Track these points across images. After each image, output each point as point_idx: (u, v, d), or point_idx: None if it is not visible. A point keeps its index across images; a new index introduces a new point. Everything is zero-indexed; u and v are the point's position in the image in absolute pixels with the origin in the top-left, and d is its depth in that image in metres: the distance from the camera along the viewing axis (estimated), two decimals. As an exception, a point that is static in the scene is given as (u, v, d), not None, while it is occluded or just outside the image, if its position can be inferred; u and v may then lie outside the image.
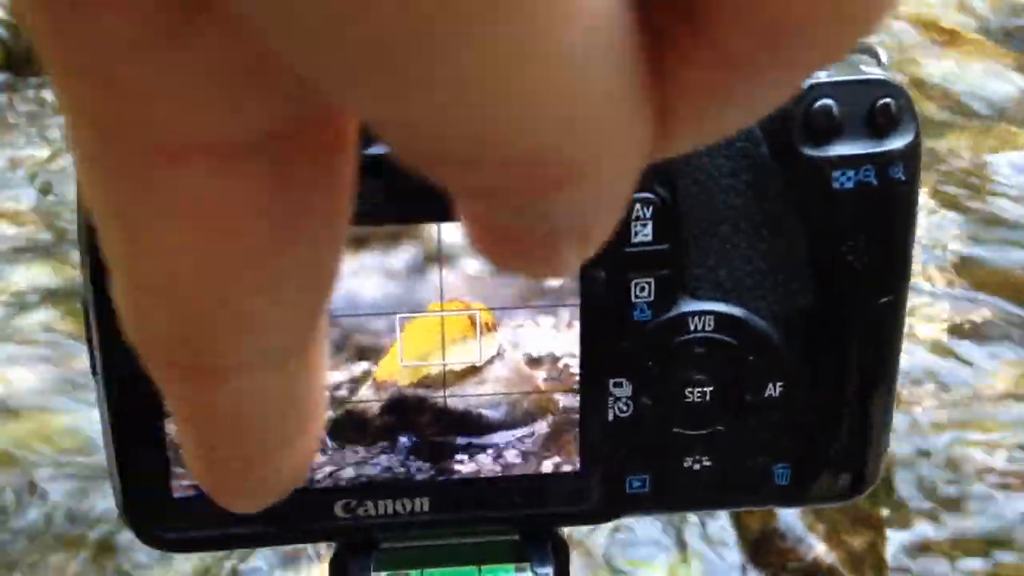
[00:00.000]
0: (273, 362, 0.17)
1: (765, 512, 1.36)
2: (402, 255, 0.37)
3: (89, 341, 0.37)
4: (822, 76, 0.37)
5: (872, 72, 0.38)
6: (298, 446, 0.19)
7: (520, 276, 0.16)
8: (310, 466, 0.20)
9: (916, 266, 1.66)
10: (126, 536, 1.30)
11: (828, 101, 0.37)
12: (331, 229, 0.17)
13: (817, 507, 0.44)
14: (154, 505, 0.38)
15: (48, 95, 2.12)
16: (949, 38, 2.40)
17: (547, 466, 0.40)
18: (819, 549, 1.33)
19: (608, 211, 0.16)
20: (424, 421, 0.39)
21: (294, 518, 0.39)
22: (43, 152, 2.00)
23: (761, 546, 1.34)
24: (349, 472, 0.39)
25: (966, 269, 1.75)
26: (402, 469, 0.39)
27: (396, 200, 0.36)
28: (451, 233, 0.37)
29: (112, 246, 0.16)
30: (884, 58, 0.41)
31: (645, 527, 1.35)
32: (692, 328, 0.39)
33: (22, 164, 1.98)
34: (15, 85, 2.16)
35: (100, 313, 0.36)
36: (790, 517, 1.35)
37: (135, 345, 0.17)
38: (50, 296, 1.68)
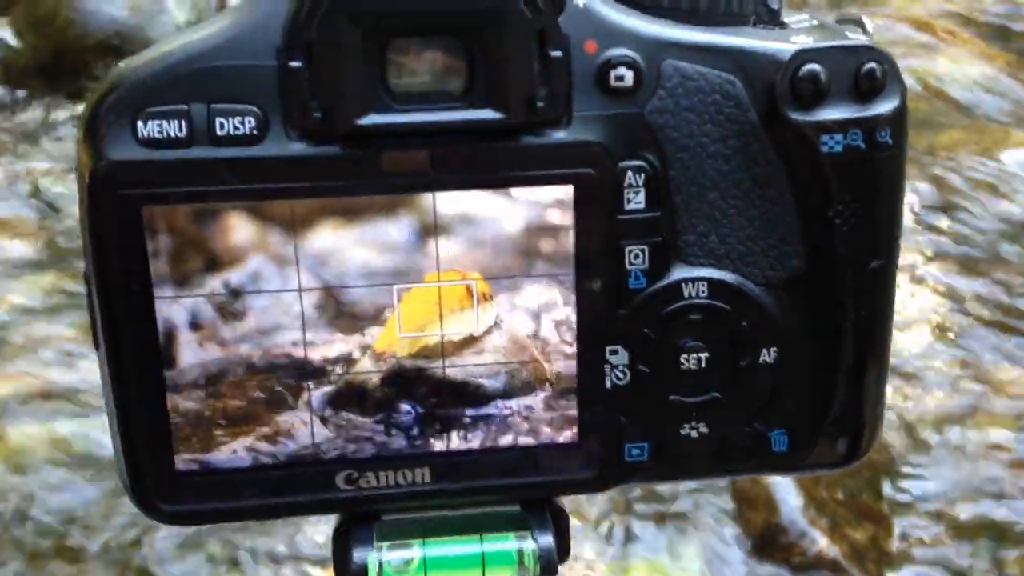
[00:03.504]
0: None
1: (767, 507, 1.36)
2: (399, 226, 0.38)
3: (92, 316, 0.37)
4: (808, 42, 0.38)
5: (858, 39, 0.38)
6: None
7: None
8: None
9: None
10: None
11: (814, 66, 0.37)
12: None
13: (815, 474, 0.44)
14: (158, 479, 0.39)
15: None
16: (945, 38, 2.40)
17: (546, 435, 0.40)
18: (822, 543, 1.33)
19: None
20: (423, 392, 0.39)
21: (296, 491, 0.40)
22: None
23: (765, 541, 1.34)
24: (350, 444, 0.40)
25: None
26: (403, 440, 0.40)
27: (392, 172, 0.37)
28: (447, 203, 0.37)
29: None
30: (870, 28, 0.41)
31: (647, 522, 1.35)
32: (686, 295, 0.39)
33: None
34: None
35: (103, 288, 0.37)
36: (793, 512, 1.35)
37: None
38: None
